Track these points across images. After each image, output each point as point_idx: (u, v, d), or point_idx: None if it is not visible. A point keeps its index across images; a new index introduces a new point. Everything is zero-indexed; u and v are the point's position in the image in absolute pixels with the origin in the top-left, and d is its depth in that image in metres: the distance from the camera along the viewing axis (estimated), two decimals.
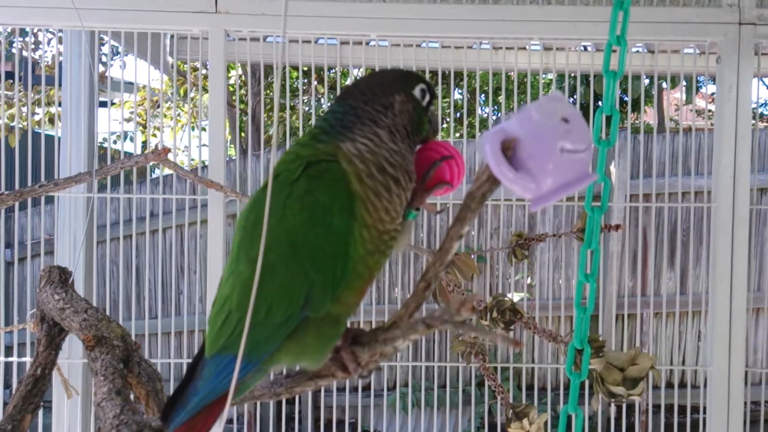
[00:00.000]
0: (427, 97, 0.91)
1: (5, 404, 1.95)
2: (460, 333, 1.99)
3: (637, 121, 7.35)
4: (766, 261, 4.62)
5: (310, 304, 0.80)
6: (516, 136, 0.67)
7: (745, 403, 2.95)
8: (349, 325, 0.86)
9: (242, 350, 0.74)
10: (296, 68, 3.14)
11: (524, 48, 3.22)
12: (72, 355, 2.85)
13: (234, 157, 6.34)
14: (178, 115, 7.29)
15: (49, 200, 3.29)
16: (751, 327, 4.73)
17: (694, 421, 3.24)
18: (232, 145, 7.52)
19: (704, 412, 2.99)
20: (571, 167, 0.67)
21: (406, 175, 0.85)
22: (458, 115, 7.77)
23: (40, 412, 2.85)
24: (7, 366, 3.08)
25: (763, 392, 3.28)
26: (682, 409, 4.69)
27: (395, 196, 0.83)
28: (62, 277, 1.57)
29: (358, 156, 0.83)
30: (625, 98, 7.00)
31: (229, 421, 5.13)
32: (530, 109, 0.68)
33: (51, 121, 5.61)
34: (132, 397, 1.18)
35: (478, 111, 4.56)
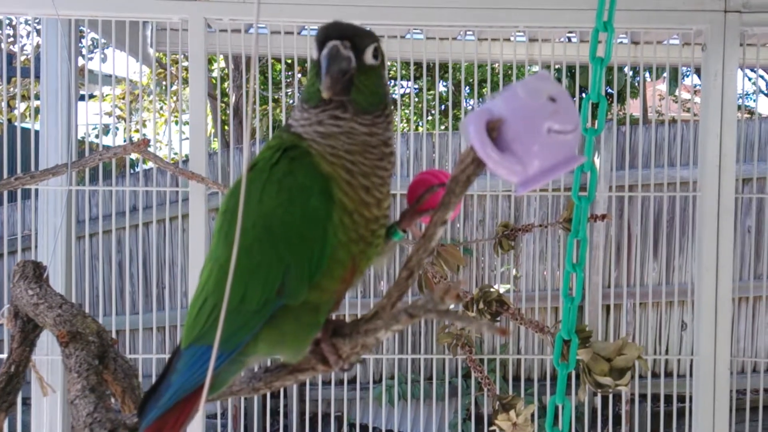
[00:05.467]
0: (320, 52, 0.80)
1: None
2: (446, 324, 1.97)
3: (621, 113, 7.37)
4: (749, 251, 4.65)
5: (287, 290, 0.77)
6: (501, 116, 0.64)
7: (731, 392, 2.96)
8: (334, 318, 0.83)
9: (218, 338, 0.71)
10: (279, 60, 3.09)
11: (509, 39, 3.20)
12: (52, 351, 2.80)
13: (217, 150, 6.29)
14: (161, 108, 7.22)
15: (26, 195, 3.23)
16: (735, 316, 4.76)
17: (680, 410, 3.25)
18: (216, 139, 7.45)
19: (689, 401, 3.00)
20: (558, 149, 0.64)
21: (363, 146, 0.80)
22: (443, 107, 7.74)
23: (19, 410, 2.80)
24: None
25: (749, 381, 3.30)
26: (668, 398, 4.71)
27: (365, 167, 0.80)
28: (36, 272, 1.54)
29: (312, 139, 0.80)
30: (610, 90, 7.01)
31: (214, 415, 5.09)
32: (516, 88, 0.65)
33: (30, 114, 5.53)
34: (108, 393, 1.15)
35: (463, 103, 4.54)
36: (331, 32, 0.80)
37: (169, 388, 0.80)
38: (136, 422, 0.87)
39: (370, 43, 0.81)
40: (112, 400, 1.18)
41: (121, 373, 1.19)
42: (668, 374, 4.88)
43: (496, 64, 3.15)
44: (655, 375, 4.84)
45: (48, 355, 2.79)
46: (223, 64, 7.43)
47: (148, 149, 2.37)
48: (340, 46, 0.78)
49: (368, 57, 0.81)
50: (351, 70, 0.79)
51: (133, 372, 1.20)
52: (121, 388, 1.17)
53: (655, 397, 4.09)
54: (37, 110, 3.07)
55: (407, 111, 8.60)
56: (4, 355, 2.69)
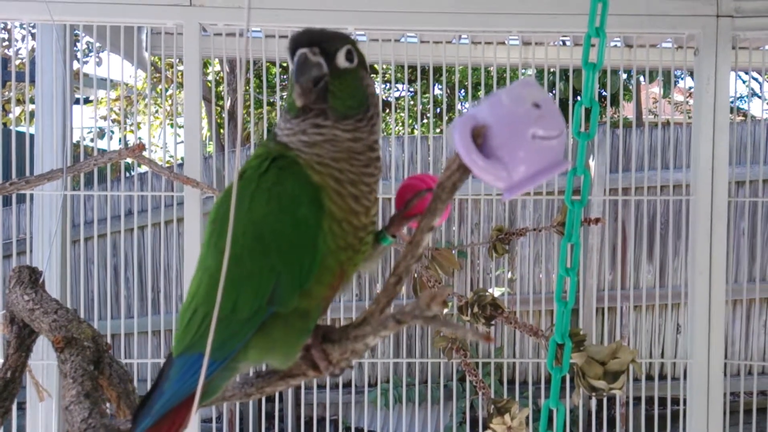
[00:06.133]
0: (292, 61, 0.80)
1: None
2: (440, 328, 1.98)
3: (615, 116, 7.39)
4: (743, 253, 4.67)
5: (278, 298, 0.78)
6: (486, 122, 0.65)
7: (725, 394, 2.97)
8: (328, 321, 0.84)
9: (209, 348, 0.71)
10: (274, 63, 3.09)
11: (503, 43, 3.21)
12: (48, 356, 2.80)
13: (213, 154, 6.28)
14: (156, 111, 7.21)
15: (22, 199, 3.22)
16: (729, 318, 4.77)
17: (674, 413, 3.26)
18: (212, 142, 7.45)
19: (684, 404, 3.01)
20: (544, 154, 0.65)
21: (348, 153, 0.80)
22: (438, 110, 7.75)
23: (15, 414, 2.81)
24: None
25: (743, 383, 3.31)
26: (662, 401, 4.72)
27: (352, 174, 0.80)
28: (32, 278, 1.54)
29: (298, 149, 0.81)
30: (604, 93, 7.03)
31: (209, 419, 5.09)
32: (500, 94, 0.66)
33: (25, 118, 5.52)
34: (104, 398, 1.15)
35: (458, 106, 4.56)
36: (299, 40, 0.79)
37: (161, 396, 0.80)
38: (130, 428, 0.88)
39: (342, 46, 0.80)
40: (108, 405, 1.18)
41: (116, 378, 1.19)
42: (663, 377, 4.90)
43: (491, 68, 3.16)
44: (651, 378, 4.86)
45: (43, 360, 2.79)
46: (218, 67, 7.43)
47: (143, 154, 2.38)
48: (308, 54, 0.78)
49: (341, 61, 0.80)
50: (323, 76, 0.79)
51: (128, 377, 1.20)
52: (116, 394, 1.18)
53: (650, 400, 4.08)
54: (31, 114, 3.07)
55: (402, 114, 8.61)
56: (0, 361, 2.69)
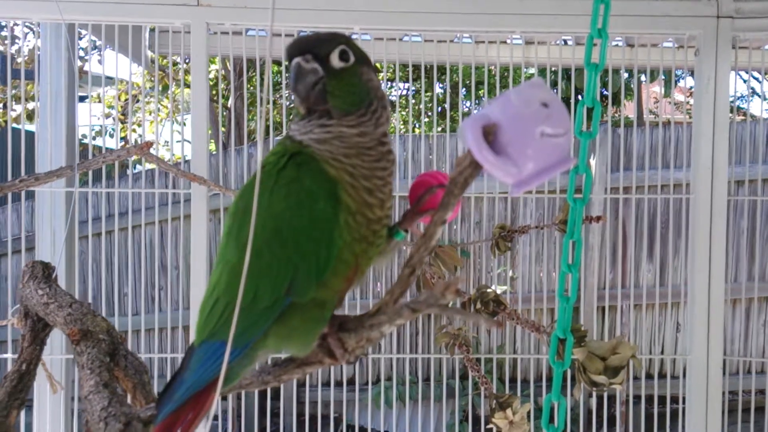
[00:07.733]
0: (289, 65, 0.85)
1: None
2: (444, 324, 2.01)
3: (616, 115, 7.42)
4: (743, 252, 4.70)
5: (295, 289, 0.81)
6: (497, 121, 0.68)
7: (724, 393, 2.99)
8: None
9: (232, 335, 0.75)
10: (278, 63, 3.12)
11: (505, 42, 3.24)
12: (53, 350, 2.82)
13: (214, 152, 6.30)
14: (159, 110, 7.24)
15: (29, 196, 3.25)
16: (728, 317, 4.80)
17: (674, 411, 3.29)
18: (213, 140, 7.47)
19: (683, 402, 3.03)
20: (551, 151, 0.69)
21: (357, 149, 0.83)
22: (440, 109, 7.78)
23: (23, 410, 2.83)
24: None
25: (741, 382, 3.33)
26: (662, 399, 4.75)
27: (364, 169, 0.83)
28: (45, 272, 1.57)
29: (311, 146, 0.84)
30: (605, 92, 7.05)
31: (215, 417, 5.12)
32: (510, 94, 0.69)
33: (30, 117, 5.54)
34: (119, 390, 1.18)
35: (460, 105, 4.59)
36: (292, 50, 0.84)
37: (183, 383, 0.84)
38: (150, 415, 0.91)
39: (334, 47, 0.84)
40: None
41: (131, 369, 1.22)
42: (663, 376, 4.93)
43: (493, 67, 3.18)
44: (650, 377, 4.89)
45: (50, 355, 2.81)
46: (219, 65, 7.45)
47: (151, 151, 2.41)
48: (301, 62, 0.82)
49: (335, 61, 0.84)
50: (320, 79, 0.82)
51: (144, 368, 1.23)
52: (132, 384, 1.21)
53: (650, 399, 4.12)
54: (36, 112, 3.09)
55: (404, 113, 8.63)
56: (9, 355, 2.72)
